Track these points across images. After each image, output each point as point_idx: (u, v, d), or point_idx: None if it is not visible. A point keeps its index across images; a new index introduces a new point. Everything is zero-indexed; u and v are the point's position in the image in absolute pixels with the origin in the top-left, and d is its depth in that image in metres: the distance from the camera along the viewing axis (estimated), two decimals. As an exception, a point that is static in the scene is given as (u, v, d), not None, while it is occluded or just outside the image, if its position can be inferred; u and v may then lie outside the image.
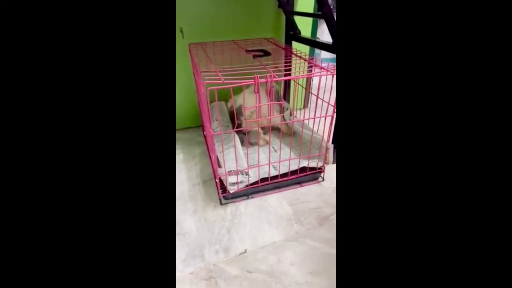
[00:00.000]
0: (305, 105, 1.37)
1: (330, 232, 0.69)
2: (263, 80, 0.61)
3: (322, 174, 0.88)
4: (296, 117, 1.00)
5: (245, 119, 0.78)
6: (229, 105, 1.04)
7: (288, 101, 1.23)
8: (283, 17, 1.10)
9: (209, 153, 0.98)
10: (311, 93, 0.98)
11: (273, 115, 0.68)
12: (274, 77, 0.62)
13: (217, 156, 0.81)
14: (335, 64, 0.69)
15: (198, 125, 1.23)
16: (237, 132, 0.88)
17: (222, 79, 0.60)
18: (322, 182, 0.87)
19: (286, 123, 1.00)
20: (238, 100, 0.90)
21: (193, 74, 0.95)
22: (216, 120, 0.99)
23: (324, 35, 2.13)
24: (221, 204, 0.79)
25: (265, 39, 1.04)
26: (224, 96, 1.07)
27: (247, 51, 0.86)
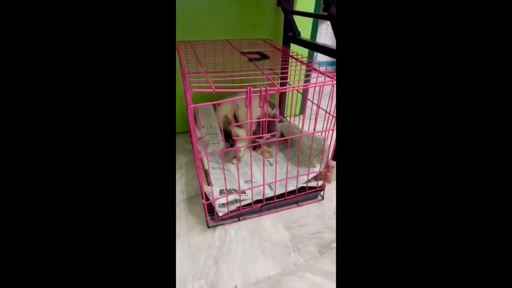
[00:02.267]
0: (302, 111, 1.29)
1: (332, 264, 0.61)
2: (256, 94, 0.52)
3: (322, 193, 0.79)
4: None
5: (234, 138, 0.67)
6: (223, 112, 0.93)
7: (284, 108, 1.14)
8: (282, 17, 1.01)
9: (196, 164, 0.88)
10: (308, 100, 0.89)
11: (266, 133, 0.59)
12: (271, 90, 0.53)
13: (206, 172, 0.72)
14: (334, 67, 0.61)
15: (186, 130, 1.13)
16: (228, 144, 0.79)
17: (213, 87, 0.51)
18: (321, 201, 0.79)
19: (282, 133, 0.91)
20: (223, 110, 0.80)
21: (181, 75, 0.85)
22: (203, 127, 0.89)
23: (321, 37, 2.05)
24: (208, 227, 0.69)
25: (262, 39, 0.95)
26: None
27: (242, 53, 0.76)
